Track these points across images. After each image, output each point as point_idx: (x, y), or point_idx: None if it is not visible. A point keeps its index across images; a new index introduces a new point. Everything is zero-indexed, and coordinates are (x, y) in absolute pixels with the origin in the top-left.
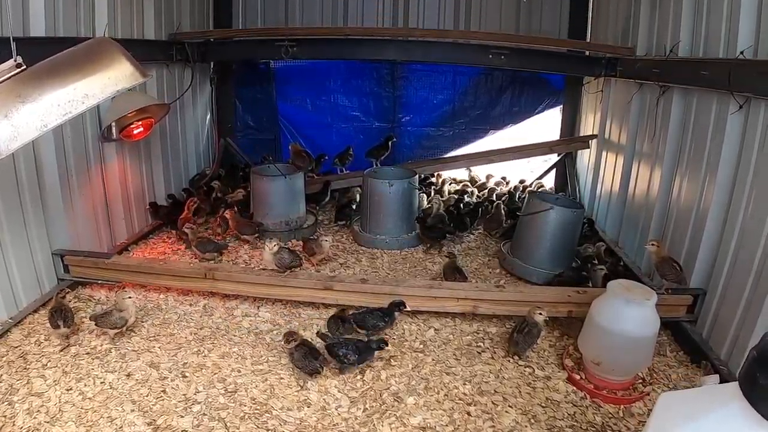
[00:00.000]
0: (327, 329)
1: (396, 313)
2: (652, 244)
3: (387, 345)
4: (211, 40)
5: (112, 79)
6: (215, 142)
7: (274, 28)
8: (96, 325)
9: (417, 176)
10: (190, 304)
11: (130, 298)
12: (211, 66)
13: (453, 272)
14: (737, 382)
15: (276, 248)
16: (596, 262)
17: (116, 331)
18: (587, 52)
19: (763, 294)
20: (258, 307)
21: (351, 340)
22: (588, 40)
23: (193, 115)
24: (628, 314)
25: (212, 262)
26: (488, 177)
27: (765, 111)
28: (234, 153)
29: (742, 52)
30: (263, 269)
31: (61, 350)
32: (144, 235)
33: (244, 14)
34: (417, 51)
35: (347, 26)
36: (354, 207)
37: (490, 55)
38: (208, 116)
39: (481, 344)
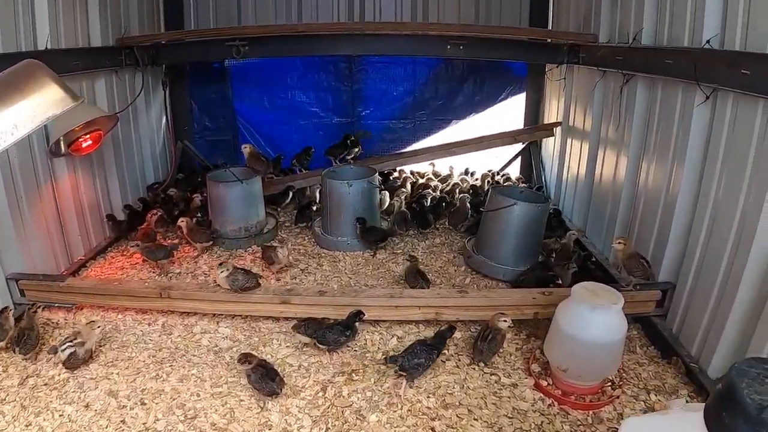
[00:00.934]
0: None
1: (357, 324)
2: (619, 242)
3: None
4: (162, 42)
5: (42, 107)
6: (172, 146)
7: (223, 28)
8: (67, 368)
9: (377, 174)
10: (149, 324)
11: (99, 327)
12: (164, 69)
13: (415, 276)
14: (703, 413)
15: (225, 273)
16: (555, 256)
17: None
18: (549, 40)
19: (734, 286)
20: (217, 323)
21: (413, 346)
22: (550, 27)
23: (147, 120)
24: (594, 321)
25: (165, 267)
26: (451, 169)
27: (733, 103)
28: (192, 156)
29: (708, 41)
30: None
31: (20, 384)
32: (102, 250)
33: (196, 15)
34: (373, 45)
35: (301, 23)
36: (315, 208)
37: (449, 46)
38: (163, 120)
39: (446, 351)
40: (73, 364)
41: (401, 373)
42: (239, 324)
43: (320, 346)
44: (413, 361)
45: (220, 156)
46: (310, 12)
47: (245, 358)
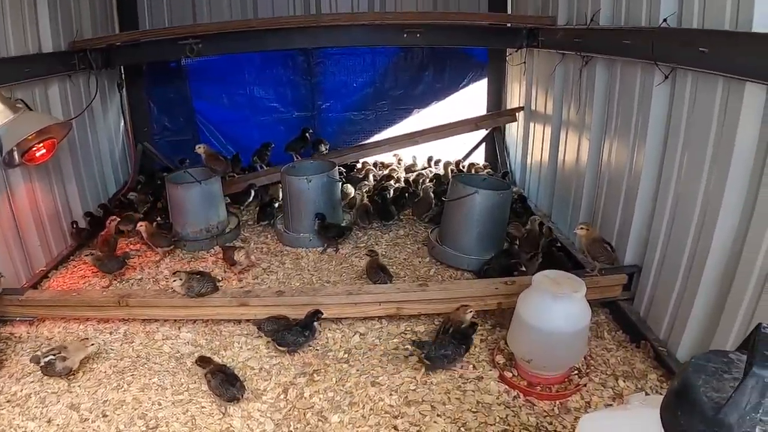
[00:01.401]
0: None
1: (316, 323)
2: (581, 228)
3: (477, 326)
4: (117, 44)
5: None
6: (131, 149)
7: (175, 27)
8: (43, 373)
9: (336, 169)
10: (110, 332)
11: (92, 345)
12: (121, 70)
13: (376, 272)
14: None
15: (179, 282)
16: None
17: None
18: (508, 24)
19: (700, 266)
20: (179, 328)
21: (445, 339)
22: (509, 11)
23: (105, 124)
24: (556, 310)
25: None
26: (414, 158)
27: (692, 82)
28: (153, 158)
29: (665, 20)
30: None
31: None
32: (64, 258)
33: (151, 15)
34: (327, 36)
35: (255, 18)
36: (276, 205)
37: (405, 34)
38: (122, 123)
39: (409, 347)
40: (48, 372)
41: (425, 361)
42: (201, 328)
43: (279, 348)
44: (440, 352)
45: (183, 156)
46: (265, 8)
47: (202, 361)
